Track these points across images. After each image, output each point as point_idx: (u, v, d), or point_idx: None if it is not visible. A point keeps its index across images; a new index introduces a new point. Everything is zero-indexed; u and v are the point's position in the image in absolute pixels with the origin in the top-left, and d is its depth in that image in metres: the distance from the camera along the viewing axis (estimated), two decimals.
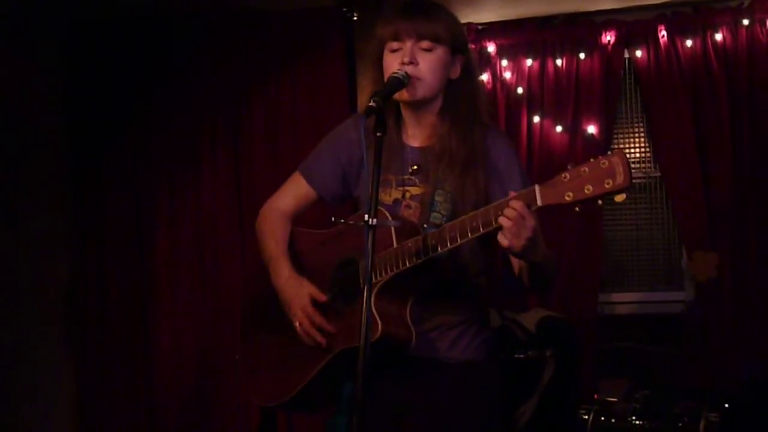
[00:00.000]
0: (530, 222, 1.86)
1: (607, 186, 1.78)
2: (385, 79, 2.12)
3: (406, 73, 2.07)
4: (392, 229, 2.03)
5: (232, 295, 4.05)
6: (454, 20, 2.19)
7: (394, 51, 2.12)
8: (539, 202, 1.85)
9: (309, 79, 4.06)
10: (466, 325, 2.17)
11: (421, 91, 2.11)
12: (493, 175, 2.11)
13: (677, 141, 4.05)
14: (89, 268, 4.29)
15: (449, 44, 2.13)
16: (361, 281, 2.05)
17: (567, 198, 1.82)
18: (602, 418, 3.53)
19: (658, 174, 4.23)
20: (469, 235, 1.94)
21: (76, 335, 4.29)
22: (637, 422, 3.47)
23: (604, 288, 4.31)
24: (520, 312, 4.00)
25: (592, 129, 4.10)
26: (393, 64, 2.11)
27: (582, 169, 1.81)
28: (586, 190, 1.80)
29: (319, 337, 2.15)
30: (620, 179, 1.77)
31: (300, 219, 2.37)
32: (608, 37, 4.10)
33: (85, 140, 4.30)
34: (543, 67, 4.18)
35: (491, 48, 4.23)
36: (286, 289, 2.22)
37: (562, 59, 4.16)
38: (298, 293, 2.19)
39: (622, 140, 4.36)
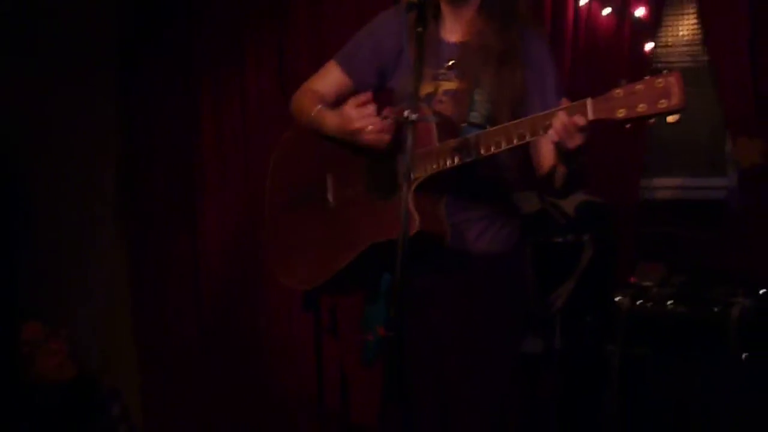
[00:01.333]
0: (578, 135, 1.88)
1: (661, 106, 1.80)
2: None
3: None
4: (434, 126, 2.06)
5: None
6: None
7: None
8: (590, 116, 1.88)
9: None
10: (493, 217, 2.22)
11: None
12: (530, 73, 2.10)
13: (729, 25, 3.93)
14: (138, 163, 4.44)
15: None
16: (398, 176, 2.09)
17: (619, 114, 1.84)
18: (638, 302, 3.61)
19: (706, 58, 4.14)
20: (515, 142, 1.98)
21: (128, 232, 4.48)
22: (672, 306, 3.54)
23: (646, 172, 4.30)
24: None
25: (641, 11, 4.00)
26: None
27: (636, 87, 1.82)
28: (639, 108, 1.82)
29: (386, 133, 2.15)
30: (675, 100, 1.79)
31: None
32: None
33: (132, 29, 4.35)
34: None
35: None
36: (342, 122, 2.21)
37: None
38: (351, 114, 2.19)
39: (671, 23, 4.25)
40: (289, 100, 4.16)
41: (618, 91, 1.84)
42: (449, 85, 2.19)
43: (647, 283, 3.78)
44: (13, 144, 3.86)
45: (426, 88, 2.18)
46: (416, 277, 2.17)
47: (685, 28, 4.26)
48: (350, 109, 2.15)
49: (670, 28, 4.23)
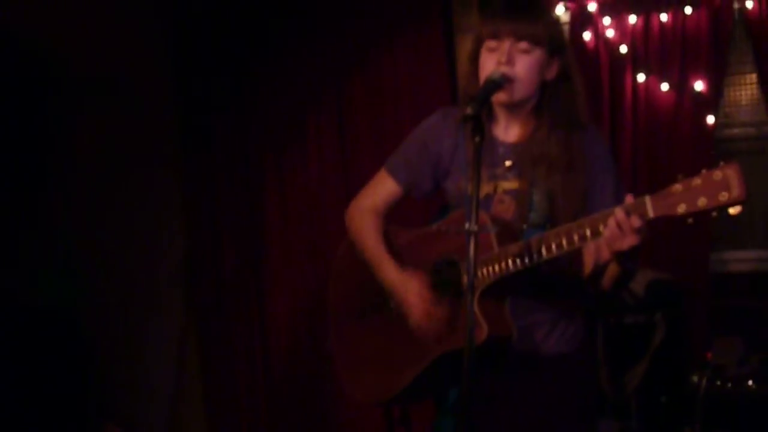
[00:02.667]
0: (632, 235, 1.87)
1: (722, 199, 1.77)
2: (481, 78, 2.14)
3: (502, 74, 2.08)
4: (489, 224, 2.07)
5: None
6: (554, 21, 2.20)
7: (491, 50, 2.14)
8: (651, 214, 1.86)
9: (409, 54, 4.09)
10: (558, 317, 2.21)
11: (517, 93, 2.13)
12: (591, 176, 2.11)
13: None
14: (203, 237, 4.49)
15: (547, 46, 2.13)
16: (462, 284, 2.10)
17: (680, 210, 1.82)
18: (717, 383, 3.51)
19: None
20: (577, 243, 1.96)
21: (196, 299, 4.51)
22: (753, 386, 3.44)
23: (716, 246, 4.23)
24: None
25: (699, 85, 3.98)
26: (489, 63, 2.13)
27: (695, 181, 1.80)
28: (699, 203, 1.79)
29: (435, 329, 2.18)
30: (736, 192, 1.76)
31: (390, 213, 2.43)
32: None
33: (194, 111, 4.46)
34: (647, 23, 4.05)
35: (593, 7, 4.13)
36: (398, 286, 2.25)
37: (667, 14, 4.02)
38: (410, 288, 2.23)
39: (732, 94, 4.22)
40: (349, 180, 4.37)
41: (676, 186, 1.82)
42: (509, 184, 2.19)
43: (724, 361, 3.68)
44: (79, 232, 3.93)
45: (484, 189, 2.18)
46: (485, 381, 2.17)
47: (746, 98, 4.22)
48: (411, 295, 2.19)
49: (731, 98, 4.20)
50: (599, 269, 2.05)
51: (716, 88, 4.01)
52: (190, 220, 4.52)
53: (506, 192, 2.19)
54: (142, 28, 4.25)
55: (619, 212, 1.89)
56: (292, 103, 4.34)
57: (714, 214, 1.82)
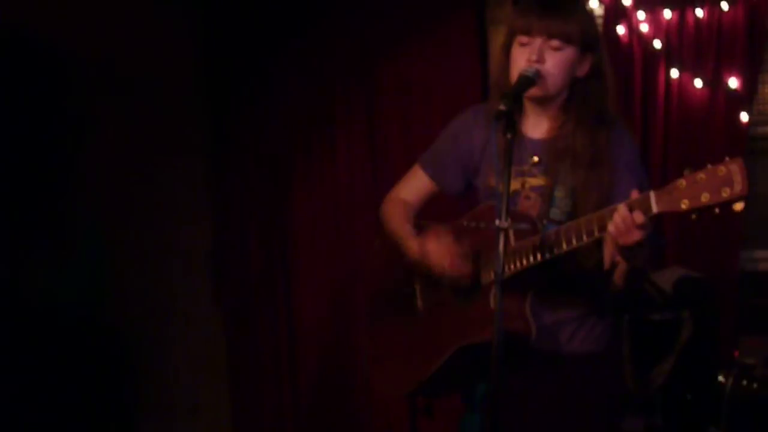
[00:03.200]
0: (636, 231, 1.87)
1: (724, 194, 1.76)
2: (512, 73, 2.14)
3: (537, 70, 2.08)
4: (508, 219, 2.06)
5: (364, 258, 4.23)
6: (588, 17, 2.19)
7: (523, 45, 2.14)
8: (654, 209, 1.86)
9: (440, 44, 4.04)
10: (584, 317, 2.21)
11: (549, 89, 2.13)
12: (616, 173, 2.10)
13: None
14: (230, 230, 4.47)
15: (579, 43, 2.12)
16: (479, 279, 2.12)
17: (683, 206, 1.82)
18: (743, 383, 3.49)
19: None
20: (585, 238, 1.97)
21: (223, 294, 4.52)
22: None
23: (746, 244, 4.19)
24: (656, 270, 3.96)
25: (734, 83, 3.94)
26: (520, 59, 2.13)
27: (699, 176, 1.80)
28: (702, 198, 1.79)
29: (459, 265, 2.19)
30: (738, 187, 1.75)
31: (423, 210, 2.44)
32: None
33: (223, 110, 4.45)
34: (682, 18, 4.01)
35: (627, 0, 4.11)
36: (418, 248, 2.28)
37: (703, 10, 3.98)
38: (428, 240, 2.25)
39: (766, 92, 4.17)
40: (377, 175, 4.37)
41: (681, 181, 1.81)
42: (535, 181, 2.19)
43: (751, 361, 3.66)
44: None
45: (512, 185, 2.13)
46: (508, 380, 2.18)
47: None
48: (430, 243, 2.21)
49: (766, 96, 4.16)
50: (614, 266, 2.05)
51: (751, 85, 3.97)
52: (218, 220, 4.51)
53: (533, 188, 2.20)
54: (171, 26, 4.23)
55: (622, 208, 1.90)
56: (320, 100, 4.31)
57: (717, 210, 1.81)
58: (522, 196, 2.20)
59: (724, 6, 3.94)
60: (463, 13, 3.97)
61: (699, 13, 4.00)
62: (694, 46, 4.01)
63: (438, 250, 2.20)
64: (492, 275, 2.06)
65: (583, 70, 2.16)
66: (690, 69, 4.01)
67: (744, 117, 3.95)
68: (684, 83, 4.03)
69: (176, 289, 4.33)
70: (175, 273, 4.33)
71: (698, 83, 4.00)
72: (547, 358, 2.18)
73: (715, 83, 3.98)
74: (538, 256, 2.03)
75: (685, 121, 4.02)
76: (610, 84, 2.21)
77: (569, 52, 2.11)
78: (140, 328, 4.08)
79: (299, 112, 4.34)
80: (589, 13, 2.22)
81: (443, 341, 2.22)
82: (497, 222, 1.89)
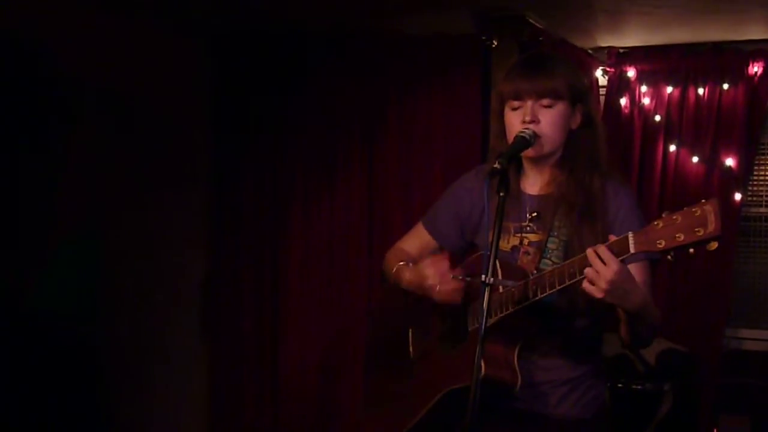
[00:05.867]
0: (608, 270, 1.88)
1: (698, 234, 1.79)
2: (509, 136, 2.18)
3: (533, 132, 2.12)
4: (499, 271, 2.09)
5: (356, 305, 4.23)
6: (572, 71, 2.22)
7: (515, 109, 2.18)
8: (632, 249, 1.88)
9: (444, 102, 4.11)
10: (579, 380, 2.20)
11: (546, 147, 2.16)
12: (614, 225, 2.10)
13: None
14: (224, 264, 4.50)
15: (569, 97, 2.16)
16: (466, 327, 2.14)
17: (659, 245, 1.84)
18: None
19: None
20: (567, 281, 1.98)
21: (210, 325, 4.52)
22: None
23: (732, 323, 4.22)
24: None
25: (730, 161, 4.01)
26: (515, 122, 2.17)
27: (674, 217, 1.83)
28: (677, 238, 1.81)
29: (458, 292, 2.19)
30: (711, 227, 1.78)
31: None
32: (755, 68, 3.98)
33: (226, 142, 4.51)
34: (684, 95, 4.10)
35: (631, 73, 4.18)
36: (415, 275, 2.28)
37: (704, 88, 4.06)
38: (424, 266, 2.25)
39: (763, 173, 4.24)
40: (374, 222, 4.39)
41: (657, 222, 1.83)
42: (533, 237, 2.21)
43: None
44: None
45: (512, 241, 2.21)
46: (494, 430, 2.15)
47: None
48: (425, 267, 2.23)
49: (761, 177, 4.23)
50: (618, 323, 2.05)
51: (747, 165, 4.03)
52: (213, 245, 4.53)
53: (531, 243, 2.22)
54: (180, 53, 4.31)
55: (595, 247, 1.91)
56: (322, 142, 4.36)
57: (691, 251, 1.83)
58: (521, 252, 2.22)
59: (725, 86, 4.01)
60: (470, 69, 4.03)
61: (700, 91, 4.07)
62: (693, 123, 4.09)
63: (434, 271, 2.21)
64: (477, 323, 2.08)
65: (576, 122, 2.19)
66: (688, 144, 4.08)
67: (737, 196, 4.00)
68: (681, 158, 4.09)
69: (165, 308, 4.35)
70: (166, 293, 4.34)
71: (695, 159, 4.06)
72: (535, 418, 2.17)
73: (712, 161, 4.04)
74: (522, 302, 2.05)
75: (681, 194, 4.07)
76: (601, 132, 2.24)
77: (561, 107, 2.15)
78: (125, 346, 4.10)
79: (302, 150, 4.40)
80: (573, 66, 2.26)
81: (430, 387, 2.22)
82: (483, 277, 1.91)
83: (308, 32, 4.27)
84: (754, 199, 4.25)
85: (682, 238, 1.81)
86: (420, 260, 2.32)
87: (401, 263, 2.36)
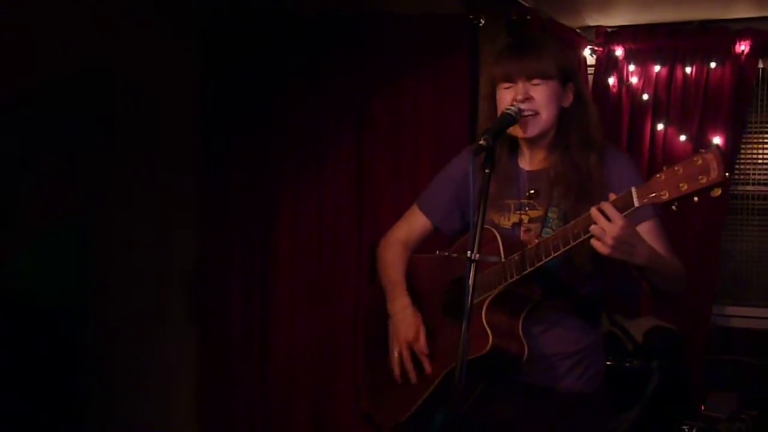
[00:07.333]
0: (614, 226, 1.91)
1: (701, 182, 1.82)
2: (499, 113, 2.19)
3: (519, 108, 2.14)
4: (500, 244, 2.11)
5: (346, 290, 4.22)
6: (561, 51, 2.26)
7: (507, 89, 2.20)
8: (636, 203, 1.91)
9: (432, 83, 4.07)
10: (582, 354, 2.23)
11: (538, 127, 2.19)
12: (617, 186, 2.09)
13: None
14: (213, 251, 4.47)
15: (558, 77, 2.19)
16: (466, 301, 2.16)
17: (663, 197, 1.87)
18: None
19: None
20: (571, 242, 2.01)
21: (199, 313, 4.51)
22: None
23: (719, 300, 4.25)
24: (631, 318, 4.00)
25: (717, 140, 4.02)
26: (507, 99, 2.19)
27: (676, 168, 1.86)
28: (681, 187, 1.84)
29: (411, 373, 2.31)
30: (714, 174, 1.80)
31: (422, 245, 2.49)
32: (742, 47, 3.98)
33: (215, 132, 4.47)
34: (671, 74, 4.10)
35: (619, 52, 4.19)
36: (399, 317, 2.36)
37: (691, 67, 4.07)
38: (408, 325, 2.34)
39: (750, 152, 4.26)
40: (363, 208, 4.37)
41: (659, 175, 1.87)
42: (534, 213, 2.24)
43: (717, 415, 3.68)
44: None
45: (512, 218, 2.25)
46: (500, 403, 2.21)
47: (764, 155, 4.25)
48: (412, 337, 2.32)
49: (749, 155, 4.24)
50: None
51: (734, 144, 4.05)
52: (203, 232, 4.51)
53: (531, 220, 2.24)
54: (171, 41, 4.28)
55: (599, 205, 1.94)
56: (312, 130, 4.33)
57: (696, 199, 1.85)
58: (522, 229, 2.24)
59: (713, 65, 4.02)
60: (457, 51, 4.00)
61: (688, 70, 4.08)
62: (680, 102, 4.09)
63: (406, 338, 2.33)
64: (481, 295, 2.12)
65: (567, 100, 2.23)
66: (675, 123, 4.09)
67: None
68: (669, 136, 4.10)
69: (154, 294, 4.35)
70: (155, 279, 4.34)
71: (683, 138, 4.07)
72: (540, 391, 2.20)
73: (699, 139, 4.05)
74: (525, 268, 2.07)
75: None
76: (593, 109, 2.27)
77: (552, 85, 2.19)
78: (114, 330, 4.10)
79: (291, 138, 4.36)
80: (561, 46, 2.29)
81: (436, 364, 2.26)
82: (468, 253, 1.92)
83: (295, 15, 4.25)
84: (741, 177, 4.26)
85: (686, 187, 1.84)
86: (422, 243, 2.37)
87: (395, 280, 2.44)
